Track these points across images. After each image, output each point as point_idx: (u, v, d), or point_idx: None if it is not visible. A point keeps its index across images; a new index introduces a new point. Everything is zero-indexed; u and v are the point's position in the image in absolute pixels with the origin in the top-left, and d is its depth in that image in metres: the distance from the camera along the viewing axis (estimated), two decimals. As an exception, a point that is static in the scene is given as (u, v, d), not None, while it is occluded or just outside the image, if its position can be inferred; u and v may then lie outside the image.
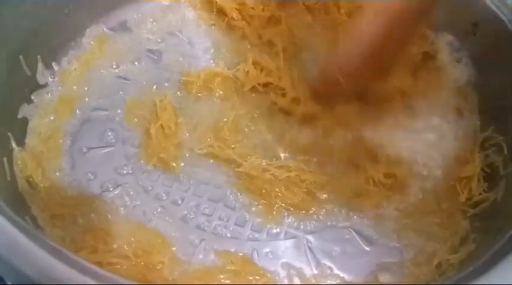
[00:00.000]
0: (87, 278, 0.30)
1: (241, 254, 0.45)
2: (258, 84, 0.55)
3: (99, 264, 0.33)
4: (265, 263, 0.45)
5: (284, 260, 0.45)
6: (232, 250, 0.45)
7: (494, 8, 0.53)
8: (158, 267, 0.41)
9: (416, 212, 0.49)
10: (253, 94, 0.55)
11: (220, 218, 0.47)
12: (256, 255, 0.45)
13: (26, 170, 0.46)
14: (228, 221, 0.47)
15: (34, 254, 0.31)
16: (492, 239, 0.39)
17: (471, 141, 0.52)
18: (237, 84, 0.56)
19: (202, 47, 0.59)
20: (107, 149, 0.51)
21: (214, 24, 0.60)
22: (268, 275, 0.44)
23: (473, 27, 0.55)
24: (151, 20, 0.60)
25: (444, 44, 0.57)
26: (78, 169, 0.49)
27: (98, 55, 0.56)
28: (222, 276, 0.42)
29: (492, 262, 0.34)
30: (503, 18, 0.52)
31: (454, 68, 0.56)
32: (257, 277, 0.43)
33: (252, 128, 0.53)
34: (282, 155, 0.52)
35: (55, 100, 0.52)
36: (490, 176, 0.49)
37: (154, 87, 0.56)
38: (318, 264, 0.45)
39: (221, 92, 0.55)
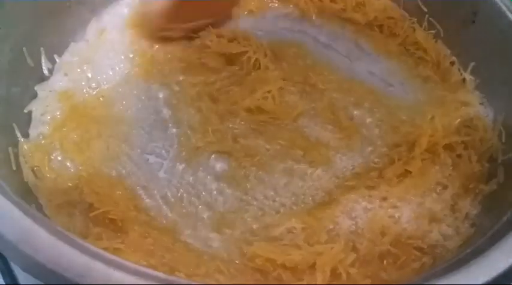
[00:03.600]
0: (98, 262, 0.31)
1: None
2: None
3: (105, 250, 0.33)
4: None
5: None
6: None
7: (494, -4, 0.53)
8: (162, 253, 0.42)
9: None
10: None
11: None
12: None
13: (31, 160, 0.47)
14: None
15: (43, 240, 0.31)
16: (490, 224, 0.40)
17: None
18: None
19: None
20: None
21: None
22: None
23: (473, 15, 0.55)
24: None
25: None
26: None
27: (100, 48, 0.57)
28: (222, 263, 0.42)
29: (488, 245, 0.35)
30: (503, 7, 0.53)
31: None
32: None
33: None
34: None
35: (58, 92, 0.53)
36: (489, 164, 0.49)
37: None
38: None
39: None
